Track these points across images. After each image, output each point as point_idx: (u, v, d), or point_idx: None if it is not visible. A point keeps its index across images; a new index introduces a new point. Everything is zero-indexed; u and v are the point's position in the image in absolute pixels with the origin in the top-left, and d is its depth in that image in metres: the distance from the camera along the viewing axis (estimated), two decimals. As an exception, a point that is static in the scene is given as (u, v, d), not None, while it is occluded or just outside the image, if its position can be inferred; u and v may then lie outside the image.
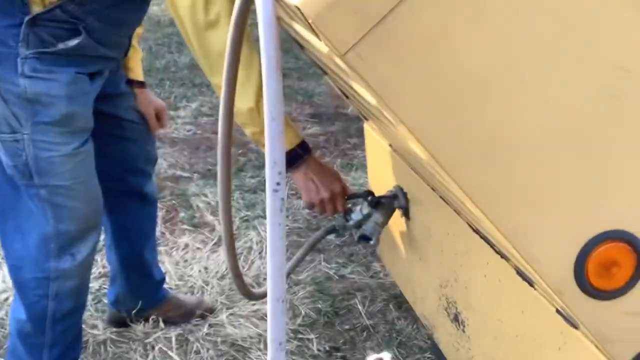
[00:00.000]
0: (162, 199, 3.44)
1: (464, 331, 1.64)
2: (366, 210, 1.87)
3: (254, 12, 0.96)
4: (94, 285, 2.64)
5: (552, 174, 0.93)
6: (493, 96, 0.90)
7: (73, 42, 1.70)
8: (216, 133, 4.89)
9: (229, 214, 1.38)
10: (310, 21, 0.85)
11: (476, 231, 1.45)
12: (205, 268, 2.88)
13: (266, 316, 2.55)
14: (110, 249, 2.35)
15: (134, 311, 2.41)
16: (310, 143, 1.91)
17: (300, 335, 2.44)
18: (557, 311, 1.19)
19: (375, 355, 1.69)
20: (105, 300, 2.53)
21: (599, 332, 1.02)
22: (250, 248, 2.98)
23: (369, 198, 1.85)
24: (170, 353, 2.38)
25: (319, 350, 2.39)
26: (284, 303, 0.98)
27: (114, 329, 2.46)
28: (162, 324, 2.47)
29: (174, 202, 3.46)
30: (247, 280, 2.70)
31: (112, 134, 2.07)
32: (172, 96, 4.85)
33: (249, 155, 3.90)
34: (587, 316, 1.01)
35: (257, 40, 0.98)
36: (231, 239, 1.42)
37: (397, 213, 1.92)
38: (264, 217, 3.23)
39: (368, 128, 2.09)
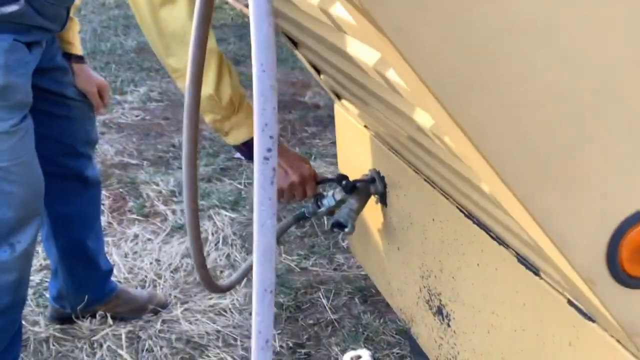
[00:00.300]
0: (109, 186, 3.24)
1: (448, 325, 1.51)
2: (339, 195, 1.76)
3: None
4: (34, 278, 2.50)
5: (589, 145, 0.80)
6: (525, 47, 0.76)
7: (11, 8, 1.62)
8: (167, 119, 4.67)
9: (196, 201, 1.25)
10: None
11: (469, 216, 1.32)
12: (157, 260, 2.71)
13: (224, 311, 2.42)
14: (49, 240, 2.19)
15: (79, 306, 2.28)
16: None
17: (262, 332, 2.30)
18: (569, 302, 1.07)
19: (353, 352, 1.57)
20: (47, 295, 2.37)
21: (630, 324, 0.90)
22: (206, 239, 2.81)
23: (344, 182, 1.72)
24: (119, 351, 2.21)
25: (281, 347, 2.26)
26: (272, 294, 0.82)
27: (58, 326, 2.33)
28: (110, 320, 2.34)
29: (121, 190, 3.26)
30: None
31: (48, 112, 1.93)
32: (119, 80, 4.61)
33: (203, 142, 3.72)
34: (617, 307, 0.89)
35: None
36: (197, 228, 1.28)
37: (371, 200, 1.78)
38: (219, 207, 3.07)
39: (339, 109, 1.95)
